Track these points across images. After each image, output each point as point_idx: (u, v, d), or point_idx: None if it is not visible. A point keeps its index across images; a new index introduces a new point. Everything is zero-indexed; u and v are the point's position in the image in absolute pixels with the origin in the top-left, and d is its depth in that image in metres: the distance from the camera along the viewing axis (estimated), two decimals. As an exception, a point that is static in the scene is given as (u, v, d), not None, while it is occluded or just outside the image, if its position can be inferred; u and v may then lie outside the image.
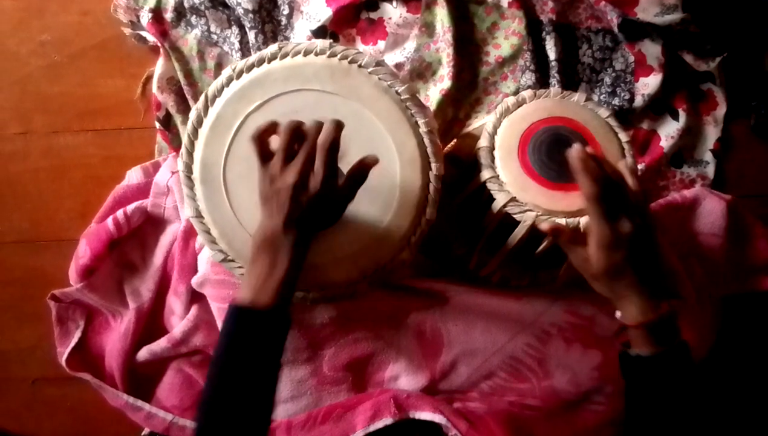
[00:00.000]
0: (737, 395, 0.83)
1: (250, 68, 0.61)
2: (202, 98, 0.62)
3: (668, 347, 0.55)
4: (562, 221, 0.63)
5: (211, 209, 0.63)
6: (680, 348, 0.56)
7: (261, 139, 0.55)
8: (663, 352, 0.54)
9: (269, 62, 0.61)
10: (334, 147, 0.55)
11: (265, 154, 0.56)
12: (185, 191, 0.63)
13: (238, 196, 0.62)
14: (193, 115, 0.62)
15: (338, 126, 0.55)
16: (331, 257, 0.61)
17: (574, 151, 0.54)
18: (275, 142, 0.56)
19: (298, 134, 0.56)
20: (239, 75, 0.62)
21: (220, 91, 0.62)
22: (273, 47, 0.61)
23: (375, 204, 0.62)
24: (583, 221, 0.62)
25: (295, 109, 0.61)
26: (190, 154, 0.63)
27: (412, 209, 0.63)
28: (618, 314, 0.58)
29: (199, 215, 0.63)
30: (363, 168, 0.58)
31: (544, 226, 0.60)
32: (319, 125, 0.55)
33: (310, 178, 0.55)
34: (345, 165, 0.59)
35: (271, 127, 0.56)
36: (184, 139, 0.63)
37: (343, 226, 0.61)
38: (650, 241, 0.56)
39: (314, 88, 0.61)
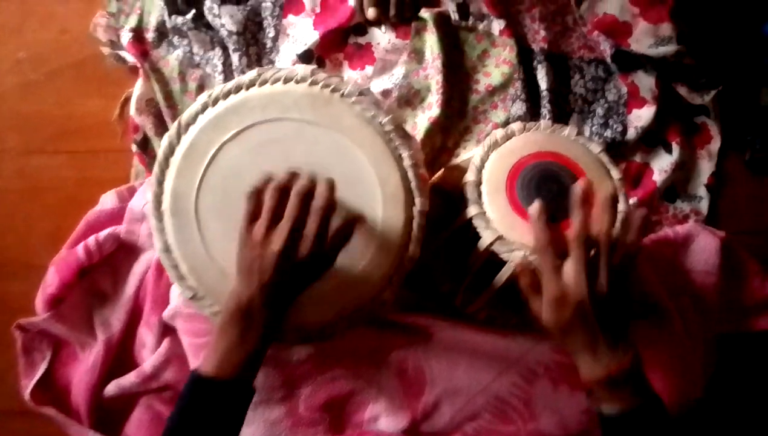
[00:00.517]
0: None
1: (226, 95, 0.59)
2: (174, 125, 0.59)
3: (638, 401, 0.52)
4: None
5: (180, 243, 0.60)
6: (651, 404, 0.53)
7: (257, 197, 0.53)
8: (631, 411, 0.52)
9: (247, 89, 0.59)
10: (329, 211, 0.53)
11: (254, 215, 0.54)
12: (153, 224, 0.60)
13: (210, 230, 0.59)
14: (164, 143, 0.59)
15: (332, 186, 0.53)
16: (307, 296, 0.58)
17: (532, 209, 0.54)
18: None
19: (286, 194, 0.53)
20: (215, 102, 0.59)
21: (194, 119, 0.59)
22: (251, 73, 0.59)
23: (355, 241, 0.60)
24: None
25: (273, 139, 0.58)
26: (160, 183, 0.60)
27: (394, 247, 0.60)
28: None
29: (167, 249, 0.60)
30: (348, 227, 0.56)
31: (515, 260, 0.58)
32: (309, 185, 0.53)
33: (299, 243, 0.53)
34: None
35: (266, 184, 0.54)
36: (155, 168, 0.60)
37: (322, 264, 0.58)
38: (607, 299, 0.54)
39: (294, 117, 0.58)
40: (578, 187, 0.55)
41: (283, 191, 0.53)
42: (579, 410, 0.72)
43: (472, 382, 0.73)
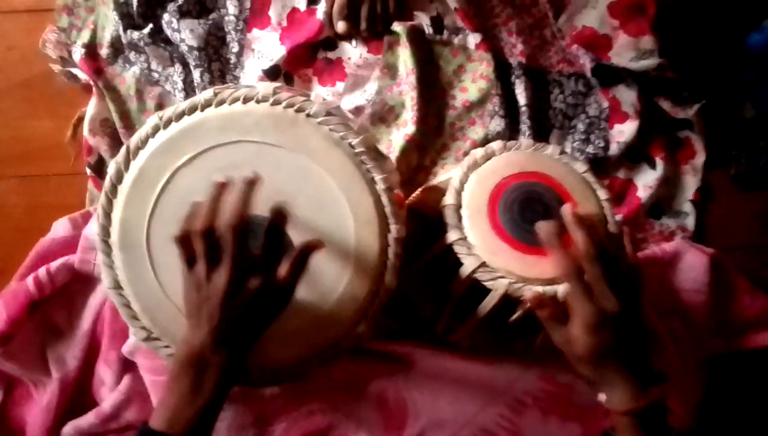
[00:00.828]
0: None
1: (180, 116, 0.54)
2: (122, 150, 0.54)
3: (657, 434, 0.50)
4: (539, 289, 0.57)
5: (132, 280, 0.55)
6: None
7: (186, 239, 0.49)
8: None
9: (203, 110, 0.54)
10: (275, 237, 0.49)
11: (191, 257, 0.49)
12: (101, 258, 0.55)
13: (164, 265, 0.54)
14: (111, 170, 0.54)
15: (280, 213, 0.49)
16: (274, 334, 0.53)
17: (542, 230, 0.51)
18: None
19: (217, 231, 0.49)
20: (167, 124, 0.54)
21: (144, 143, 0.54)
22: (207, 93, 0.54)
23: (326, 272, 0.55)
24: (561, 290, 0.56)
25: (232, 164, 0.54)
26: (107, 214, 0.55)
27: (369, 277, 0.56)
28: (602, 397, 0.53)
29: (117, 287, 0.55)
30: (304, 255, 0.51)
31: (527, 295, 0.55)
32: (240, 214, 0.48)
33: (249, 278, 0.49)
34: (291, 228, 0.52)
35: (192, 218, 0.49)
36: (101, 198, 0.55)
37: (288, 297, 0.54)
38: (637, 315, 0.52)
39: (255, 139, 0.54)
40: (567, 210, 0.52)
41: (213, 230, 0.48)
42: None
43: (457, 413, 0.71)
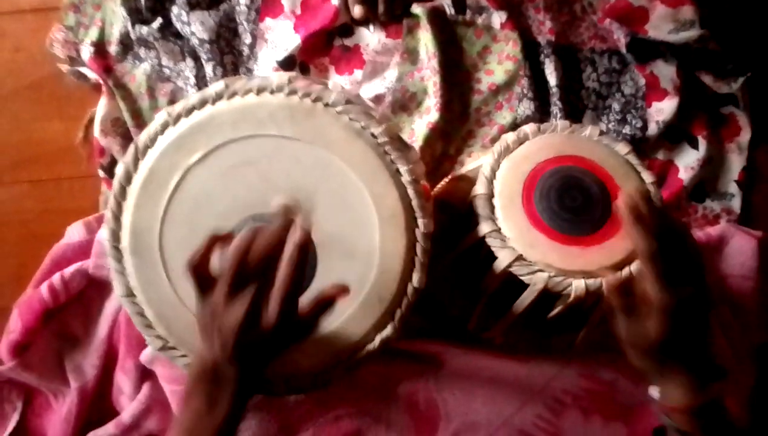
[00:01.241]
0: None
1: (190, 111, 0.51)
2: (130, 150, 0.52)
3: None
4: (581, 283, 0.53)
5: (145, 286, 0.52)
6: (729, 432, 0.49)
7: (199, 268, 0.46)
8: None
9: (214, 103, 0.51)
10: (297, 281, 0.46)
11: (205, 283, 0.47)
12: (112, 264, 0.53)
13: (179, 270, 0.52)
14: (120, 171, 0.52)
15: (304, 248, 0.45)
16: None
17: (622, 202, 0.48)
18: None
19: (246, 259, 0.46)
20: (177, 120, 0.51)
21: (153, 141, 0.51)
22: (218, 85, 0.51)
23: (350, 272, 0.52)
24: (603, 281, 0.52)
25: (247, 160, 0.51)
26: (117, 218, 0.52)
27: (395, 277, 0.53)
28: (654, 392, 0.51)
29: (130, 294, 0.53)
30: (328, 299, 0.49)
31: (609, 282, 0.51)
32: (277, 243, 0.46)
33: (263, 314, 0.46)
34: (312, 226, 0.48)
35: (211, 246, 0.46)
36: (110, 201, 0.52)
37: (311, 301, 0.51)
38: (706, 307, 0.51)
39: (270, 133, 0.51)
40: (621, 204, 0.49)
41: (244, 256, 0.46)
42: None
43: (492, 415, 0.68)
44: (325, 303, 0.49)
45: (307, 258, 0.46)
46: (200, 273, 0.47)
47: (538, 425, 0.68)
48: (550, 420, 0.68)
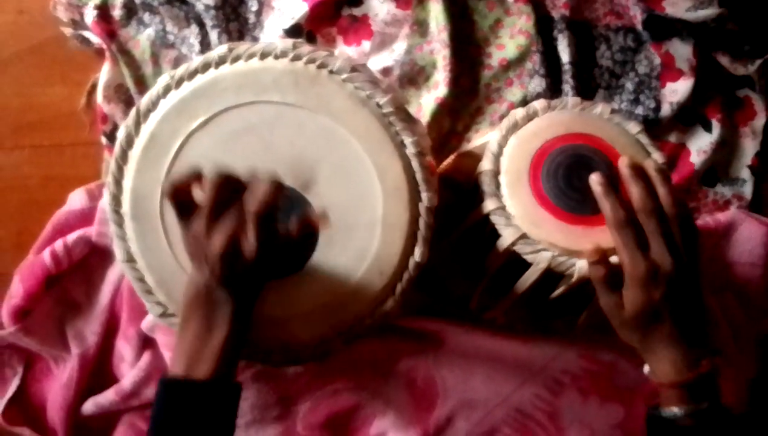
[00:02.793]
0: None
1: (192, 75, 0.51)
2: (132, 113, 0.51)
3: (707, 406, 0.48)
4: (584, 263, 0.53)
5: (145, 251, 0.52)
6: (721, 411, 0.48)
7: (177, 194, 0.46)
8: (701, 411, 0.48)
9: (217, 67, 0.50)
10: (268, 216, 0.45)
11: (183, 208, 0.47)
12: (113, 229, 0.53)
13: (180, 235, 0.51)
14: (121, 135, 0.51)
15: (277, 188, 0.45)
16: (296, 310, 0.52)
17: (594, 181, 0.50)
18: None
19: (228, 188, 0.46)
20: (179, 83, 0.51)
21: (155, 105, 0.51)
22: (221, 48, 0.51)
23: (351, 244, 0.52)
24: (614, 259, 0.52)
25: (250, 126, 0.50)
26: (118, 183, 0.52)
27: (397, 250, 0.53)
28: (646, 368, 0.51)
29: (130, 259, 0.53)
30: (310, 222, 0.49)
31: (589, 253, 0.51)
32: (255, 181, 0.46)
33: (243, 244, 0.45)
34: (314, 196, 0.50)
35: (191, 179, 0.46)
36: (111, 165, 0.52)
37: (311, 272, 0.52)
38: (694, 279, 0.49)
39: (273, 99, 0.50)
40: (624, 164, 0.50)
41: (223, 186, 0.46)
42: (611, 424, 0.68)
43: (490, 393, 0.69)
44: (307, 225, 0.49)
45: (277, 200, 0.45)
46: (179, 198, 0.46)
47: (536, 404, 0.68)
48: (548, 400, 0.68)
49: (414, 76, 0.75)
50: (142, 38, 0.76)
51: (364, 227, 0.52)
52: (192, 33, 0.75)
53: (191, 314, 0.48)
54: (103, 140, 0.75)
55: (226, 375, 0.47)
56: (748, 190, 0.77)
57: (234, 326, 0.47)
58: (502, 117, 0.74)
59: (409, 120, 0.53)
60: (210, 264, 0.46)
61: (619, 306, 0.49)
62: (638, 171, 0.50)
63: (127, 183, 0.52)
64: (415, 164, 0.52)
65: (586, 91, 0.75)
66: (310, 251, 0.51)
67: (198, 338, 0.47)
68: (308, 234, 0.50)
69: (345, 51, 0.75)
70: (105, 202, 0.72)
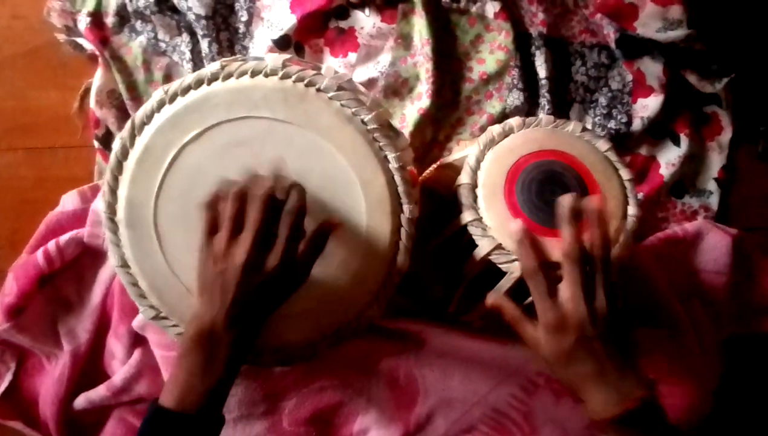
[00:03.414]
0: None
1: (186, 91, 0.52)
2: (127, 125, 0.53)
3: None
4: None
5: (139, 258, 0.54)
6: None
7: (216, 205, 0.48)
8: None
9: (209, 84, 0.52)
10: (299, 216, 0.48)
11: (214, 226, 0.49)
12: (108, 236, 0.54)
13: (172, 243, 0.54)
14: (116, 146, 0.53)
15: (301, 189, 0.48)
16: (285, 314, 0.53)
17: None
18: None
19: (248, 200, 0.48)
20: (173, 98, 0.52)
21: (149, 118, 0.52)
22: (214, 66, 0.52)
23: (337, 253, 0.54)
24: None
25: (241, 141, 0.52)
26: (113, 191, 0.54)
27: (380, 258, 0.55)
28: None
29: (124, 265, 0.54)
30: (323, 234, 0.51)
31: (489, 301, 0.54)
32: (273, 186, 0.48)
33: (267, 255, 0.48)
34: None
35: (224, 191, 0.49)
36: (106, 174, 0.54)
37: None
38: (615, 318, 0.49)
39: (263, 115, 0.52)
40: (565, 201, 0.51)
41: (245, 197, 0.48)
42: (583, 425, 0.69)
43: (468, 393, 0.71)
44: (319, 241, 0.50)
45: (305, 207, 0.48)
46: (213, 215, 0.48)
47: (512, 403, 0.70)
48: (523, 400, 0.70)
49: (398, 87, 0.76)
50: (134, 45, 0.77)
51: (351, 236, 0.54)
52: (183, 41, 0.76)
53: (191, 351, 0.49)
54: (96, 144, 0.77)
55: (214, 408, 0.49)
56: (714, 201, 0.79)
57: (228, 370, 0.49)
58: (482, 128, 0.76)
59: (393, 135, 0.55)
60: (225, 285, 0.47)
61: (538, 344, 0.51)
62: (576, 212, 0.50)
63: (122, 192, 0.53)
64: (397, 178, 0.54)
65: (561, 105, 0.77)
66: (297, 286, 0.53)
67: (193, 375, 0.48)
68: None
69: (332, 62, 0.77)
70: (98, 205, 0.74)
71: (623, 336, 0.50)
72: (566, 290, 0.49)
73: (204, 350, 0.48)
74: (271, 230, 0.48)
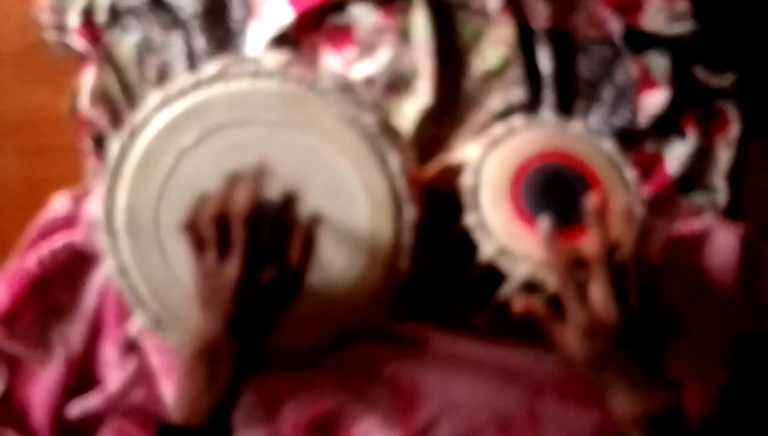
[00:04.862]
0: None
1: (184, 94, 0.52)
2: (125, 129, 0.53)
3: None
4: None
5: (140, 263, 0.54)
6: None
7: (194, 227, 0.48)
8: None
9: (208, 87, 0.52)
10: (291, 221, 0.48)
11: (200, 244, 0.48)
12: (106, 242, 0.55)
13: (174, 247, 0.53)
14: (114, 151, 0.53)
15: (290, 199, 0.48)
16: (286, 321, 0.53)
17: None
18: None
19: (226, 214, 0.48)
20: (172, 102, 0.52)
21: (147, 122, 0.52)
22: (212, 68, 0.52)
23: (338, 258, 0.54)
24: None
25: (241, 145, 0.52)
26: (112, 196, 0.54)
27: (383, 262, 0.55)
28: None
29: (123, 271, 0.55)
30: (309, 236, 0.50)
31: (517, 307, 0.53)
32: (250, 200, 0.47)
33: (261, 265, 0.48)
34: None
35: (201, 206, 0.48)
36: (105, 178, 0.54)
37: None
38: (646, 323, 0.49)
39: (263, 119, 0.52)
40: (592, 201, 0.50)
41: (225, 217, 0.47)
42: (589, 428, 0.69)
43: (472, 397, 0.70)
44: (308, 242, 0.50)
45: (292, 204, 0.48)
46: (194, 232, 0.48)
47: (517, 408, 0.69)
48: (529, 404, 0.69)
49: (397, 84, 0.75)
50: (126, 44, 0.76)
51: (351, 240, 0.54)
52: (177, 40, 0.75)
53: (194, 368, 0.49)
54: (87, 144, 0.75)
55: (221, 421, 0.50)
56: (722, 198, 0.78)
57: (235, 377, 0.49)
58: (483, 125, 0.75)
59: (394, 137, 0.55)
60: (221, 301, 0.47)
61: (564, 347, 0.50)
62: (602, 211, 0.50)
63: (121, 198, 0.53)
64: (398, 180, 0.54)
65: (565, 101, 0.76)
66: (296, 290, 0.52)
67: (198, 390, 0.48)
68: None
69: (329, 59, 0.76)
70: (92, 209, 0.73)
71: (653, 338, 0.50)
72: (597, 292, 0.49)
73: (208, 366, 0.49)
74: (258, 242, 0.48)
